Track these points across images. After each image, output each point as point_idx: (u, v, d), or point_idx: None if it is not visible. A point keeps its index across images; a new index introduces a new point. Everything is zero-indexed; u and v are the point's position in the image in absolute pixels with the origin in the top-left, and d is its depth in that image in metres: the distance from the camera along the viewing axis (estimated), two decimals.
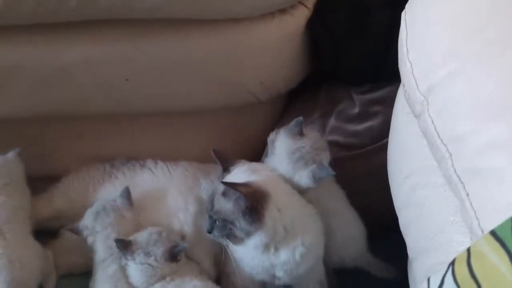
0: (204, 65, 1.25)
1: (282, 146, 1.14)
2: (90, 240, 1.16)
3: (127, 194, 1.20)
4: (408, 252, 0.94)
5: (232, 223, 1.02)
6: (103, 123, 1.38)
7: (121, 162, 1.36)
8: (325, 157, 1.14)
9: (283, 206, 1.04)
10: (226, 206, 1.02)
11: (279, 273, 1.08)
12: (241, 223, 1.01)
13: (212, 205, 1.05)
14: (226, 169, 1.11)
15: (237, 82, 1.30)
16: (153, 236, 1.12)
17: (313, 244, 1.08)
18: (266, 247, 1.04)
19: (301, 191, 1.13)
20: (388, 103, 1.13)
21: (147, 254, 1.09)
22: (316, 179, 1.10)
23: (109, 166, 1.35)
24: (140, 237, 1.13)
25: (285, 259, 1.06)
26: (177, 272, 1.10)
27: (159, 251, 1.10)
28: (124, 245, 1.11)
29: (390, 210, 1.02)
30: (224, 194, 1.03)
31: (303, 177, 1.10)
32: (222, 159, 1.12)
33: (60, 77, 1.22)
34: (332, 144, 1.31)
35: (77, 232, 1.17)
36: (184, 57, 1.24)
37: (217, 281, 1.18)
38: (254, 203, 1.01)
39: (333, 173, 1.10)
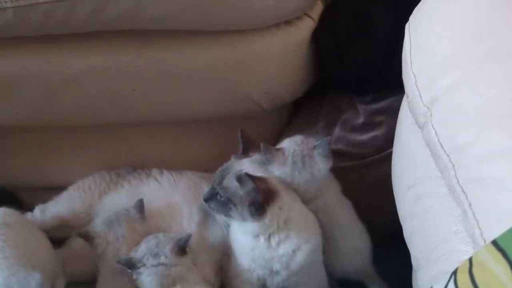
0: (209, 75, 1.27)
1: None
2: (100, 248, 1.17)
3: (140, 206, 1.21)
4: (412, 261, 0.95)
5: (234, 205, 1.07)
6: (109, 132, 1.39)
7: (127, 170, 1.37)
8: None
9: (285, 206, 1.09)
10: (237, 190, 1.07)
11: (277, 265, 1.11)
12: (243, 210, 1.07)
13: (221, 181, 1.10)
14: (246, 151, 1.17)
15: (242, 92, 1.31)
16: (153, 241, 1.13)
17: (307, 242, 1.11)
18: (256, 235, 1.09)
19: (308, 200, 1.15)
20: (392, 113, 1.13)
21: (156, 255, 1.10)
22: (326, 154, 1.14)
23: (114, 175, 1.37)
24: (142, 247, 1.13)
25: (282, 252, 1.10)
26: (187, 279, 1.10)
27: (166, 249, 1.10)
28: (129, 263, 1.11)
29: (395, 220, 1.02)
30: (239, 179, 1.07)
31: (319, 165, 1.14)
32: (246, 141, 1.19)
33: (67, 86, 1.24)
34: (337, 154, 1.32)
35: (88, 237, 1.17)
36: (190, 67, 1.25)
37: None
38: (264, 200, 1.06)
39: (328, 138, 1.15)
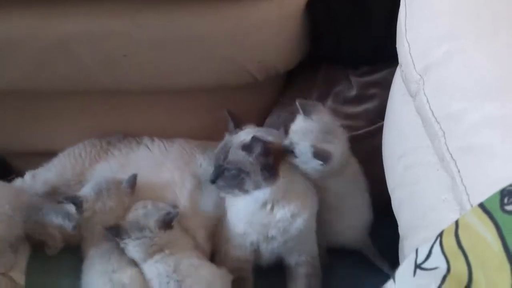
0: (202, 43, 1.25)
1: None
2: (87, 214, 1.17)
3: (133, 181, 1.21)
4: (400, 231, 0.96)
5: (247, 173, 1.08)
6: (102, 99, 1.37)
7: (118, 138, 1.36)
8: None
9: (287, 171, 1.10)
10: (246, 158, 1.08)
11: (273, 231, 1.11)
12: (257, 177, 1.07)
13: (226, 156, 1.10)
14: (238, 126, 1.17)
15: (236, 61, 1.30)
16: (140, 211, 1.14)
17: (305, 209, 1.12)
18: (264, 203, 1.10)
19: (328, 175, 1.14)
20: (386, 86, 1.13)
21: (141, 228, 1.10)
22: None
23: (105, 142, 1.36)
24: (129, 216, 1.14)
25: (279, 217, 1.10)
26: (175, 244, 1.11)
27: (151, 222, 1.11)
28: (116, 232, 1.12)
29: (385, 191, 1.03)
30: (245, 147, 1.08)
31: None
32: (234, 118, 1.18)
33: (58, 50, 1.22)
34: None
35: (77, 202, 1.17)
36: (182, 34, 1.23)
37: (211, 256, 1.20)
38: (275, 160, 1.08)
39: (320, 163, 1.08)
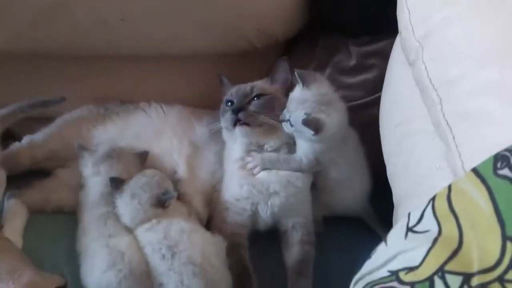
0: (201, 8, 1.24)
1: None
2: (87, 171, 1.18)
3: (144, 156, 1.22)
4: (394, 200, 0.96)
5: (278, 99, 1.17)
6: (98, 65, 1.37)
7: (115, 105, 1.36)
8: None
9: None
10: (271, 87, 1.21)
11: (276, 185, 1.14)
12: (283, 101, 1.15)
13: (252, 88, 1.19)
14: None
15: (234, 28, 1.29)
16: (142, 179, 1.13)
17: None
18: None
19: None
20: (385, 56, 1.12)
21: (133, 195, 1.11)
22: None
23: (103, 108, 1.36)
24: (133, 178, 1.14)
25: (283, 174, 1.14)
26: (166, 215, 1.11)
27: (145, 195, 1.10)
28: (117, 184, 1.12)
29: (381, 161, 1.03)
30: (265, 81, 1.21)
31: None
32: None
33: (56, 12, 1.20)
34: None
35: (83, 153, 1.19)
36: None
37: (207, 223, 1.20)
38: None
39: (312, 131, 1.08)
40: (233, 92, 1.20)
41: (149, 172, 1.16)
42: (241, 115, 1.14)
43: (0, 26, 1.24)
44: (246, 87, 1.20)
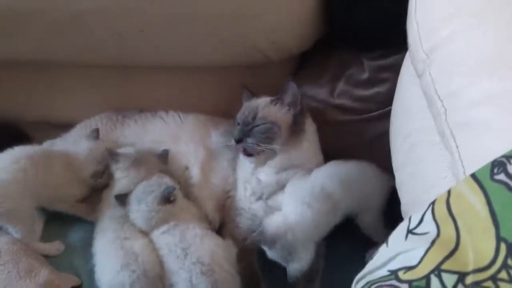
0: (217, 21, 1.26)
1: None
2: (119, 174, 1.23)
3: (165, 156, 1.27)
4: (402, 208, 0.98)
5: (279, 127, 1.17)
6: (116, 73, 1.41)
7: (133, 113, 1.40)
8: None
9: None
10: (277, 110, 1.20)
11: None
12: (286, 131, 1.18)
13: (255, 115, 1.19)
14: (254, 95, 1.27)
15: (249, 40, 1.31)
16: (142, 185, 1.18)
17: None
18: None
19: None
20: (398, 70, 1.14)
21: (139, 201, 1.15)
22: None
23: (121, 116, 1.40)
24: (135, 188, 1.19)
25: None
26: (180, 216, 1.15)
27: (149, 197, 1.15)
28: (122, 200, 1.17)
29: (392, 174, 1.05)
30: (272, 102, 1.20)
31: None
32: (250, 90, 1.29)
33: (73, 24, 1.24)
34: (339, 108, 1.34)
35: (116, 157, 1.24)
36: (196, 11, 1.25)
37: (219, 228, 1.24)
38: (302, 115, 1.21)
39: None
40: (240, 112, 1.23)
41: (147, 179, 1.21)
42: (241, 145, 1.18)
43: (20, 37, 1.28)
44: (250, 112, 1.21)
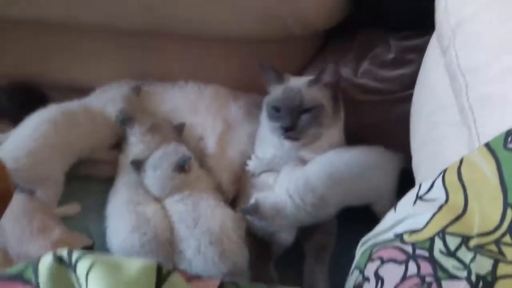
0: None
1: None
2: (133, 139, 1.24)
3: (181, 128, 1.28)
4: None
5: (324, 107, 1.16)
6: (139, 41, 1.41)
7: (152, 81, 1.40)
8: None
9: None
10: (319, 91, 1.17)
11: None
12: (330, 109, 1.17)
13: (301, 99, 1.15)
14: (280, 76, 1.22)
15: (274, 14, 1.30)
16: (159, 152, 1.19)
17: None
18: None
19: None
20: (423, 52, 1.11)
21: (155, 168, 1.16)
22: None
23: (140, 83, 1.40)
24: (152, 155, 1.19)
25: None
26: (195, 186, 1.16)
27: (165, 164, 1.16)
28: (138, 166, 1.18)
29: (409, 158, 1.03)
30: (311, 83, 1.17)
31: None
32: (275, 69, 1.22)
33: None
34: (362, 87, 1.32)
35: (129, 120, 1.25)
36: None
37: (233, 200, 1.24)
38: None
39: None
40: (280, 97, 1.18)
41: (165, 144, 1.21)
42: (291, 134, 1.15)
43: None
44: (295, 97, 1.16)
